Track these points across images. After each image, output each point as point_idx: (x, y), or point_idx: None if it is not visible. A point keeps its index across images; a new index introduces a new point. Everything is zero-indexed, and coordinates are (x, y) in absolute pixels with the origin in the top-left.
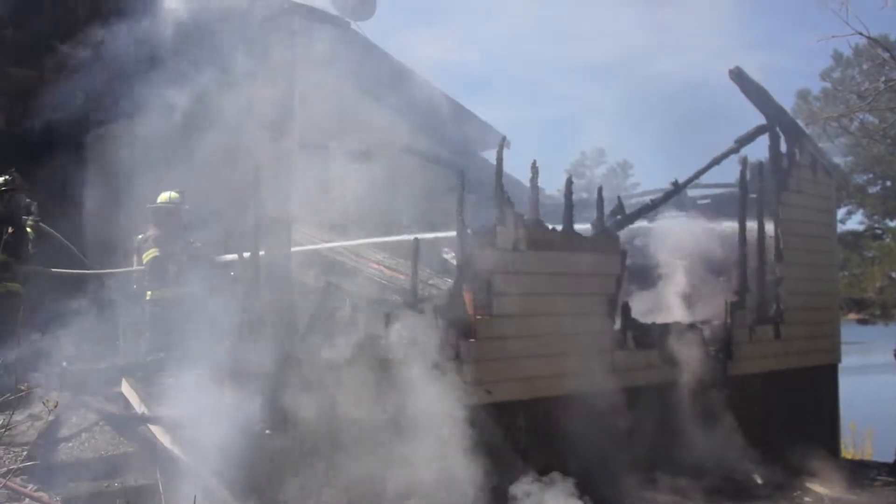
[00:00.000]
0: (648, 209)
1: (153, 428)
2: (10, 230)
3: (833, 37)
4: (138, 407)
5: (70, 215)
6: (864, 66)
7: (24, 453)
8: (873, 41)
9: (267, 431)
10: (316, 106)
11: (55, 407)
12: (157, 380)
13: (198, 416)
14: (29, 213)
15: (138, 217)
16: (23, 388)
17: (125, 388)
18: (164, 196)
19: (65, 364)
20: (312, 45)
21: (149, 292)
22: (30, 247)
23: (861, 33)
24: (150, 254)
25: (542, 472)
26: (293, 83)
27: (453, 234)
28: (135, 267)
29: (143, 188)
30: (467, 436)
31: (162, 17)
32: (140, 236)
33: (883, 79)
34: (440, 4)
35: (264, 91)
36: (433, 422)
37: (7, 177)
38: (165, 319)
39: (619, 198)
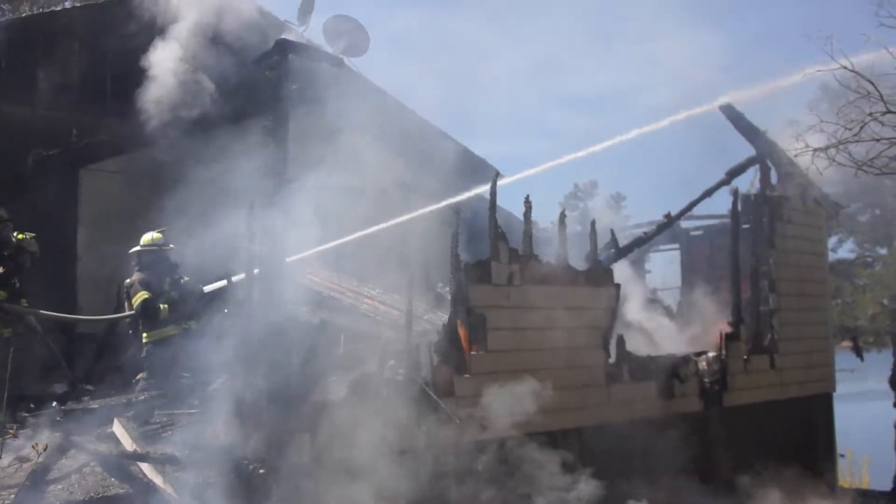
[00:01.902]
0: (642, 241)
1: (144, 467)
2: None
3: (819, 70)
4: (130, 446)
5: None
6: (851, 98)
7: (12, 496)
8: (857, 74)
9: (261, 470)
10: (309, 142)
11: (44, 450)
12: (149, 419)
13: (190, 454)
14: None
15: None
16: (11, 430)
17: (117, 428)
18: (146, 238)
19: (55, 404)
20: (306, 83)
21: (145, 335)
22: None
23: (845, 67)
24: (139, 297)
25: None
26: (287, 120)
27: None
28: (126, 312)
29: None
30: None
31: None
32: (127, 281)
33: (868, 110)
34: (433, 41)
35: (260, 129)
36: (428, 458)
37: None
38: (163, 359)
39: (612, 231)
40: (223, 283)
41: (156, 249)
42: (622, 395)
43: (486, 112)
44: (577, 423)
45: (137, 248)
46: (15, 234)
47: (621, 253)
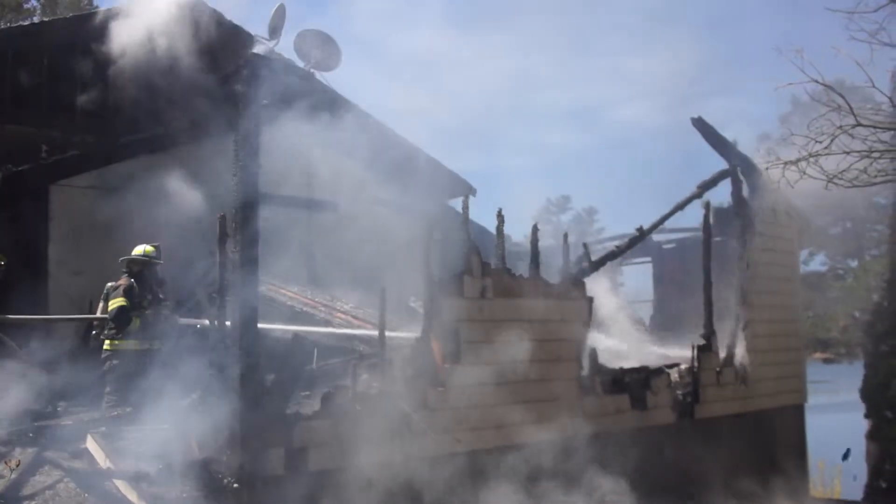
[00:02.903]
0: (614, 255)
1: (118, 483)
2: None
3: (790, 84)
4: (104, 462)
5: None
6: (822, 112)
7: None
8: (828, 87)
9: (235, 484)
10: (281, 157)
11: (17, 466)
12: (122, 435)
13: (164, 470)
14: None
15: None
16: None
17: (90, 444)
18: (139, 249)
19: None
20: (277, 97)
21: (107, 342)
22: None
23: (816, 80)
24: (116, 302)
25: None
26: (258, 135)
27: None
28: (99, 313)
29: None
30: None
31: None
32: (110, 284)
33: (839, 123)
34: (406, 56)
35: (231, 144)
36: (402, 471)
37: None
38: (125, 372)
39: (584, 245)
40: (204, 321)
41: (146, 261)
42: (595, 408)
43: (459, 127)
44: (551, 436)
45: (129, 256)
46: None
47: (594, 266)
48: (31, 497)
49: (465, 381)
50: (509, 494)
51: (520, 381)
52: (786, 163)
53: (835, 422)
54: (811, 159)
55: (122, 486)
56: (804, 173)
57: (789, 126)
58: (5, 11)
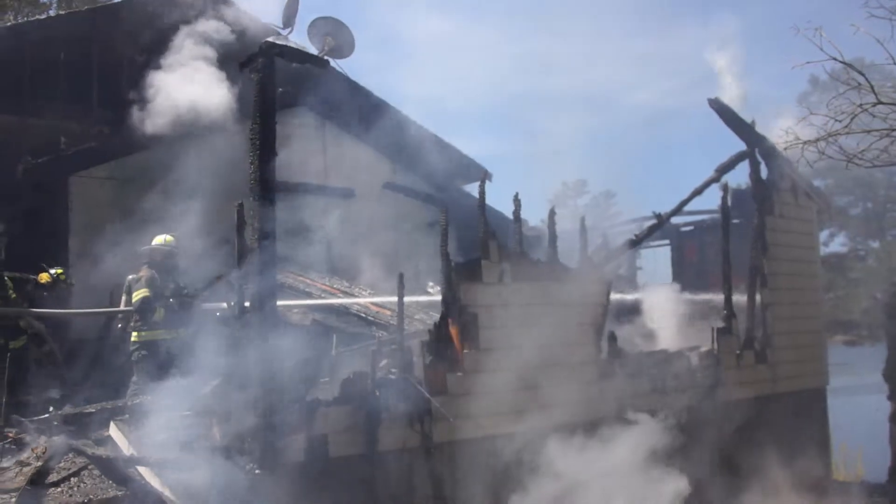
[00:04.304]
0: (634, 244)
1: (142, 470)
2: None
3: (808, 62)
4: (127, 450)
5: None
6: (841, 90)
7: (13, 500)
8: (847, 65)
9: (257, 471)
10: (297, 145)
11: (44, 453)
12: (145, 422)
13: (187, 457)
14: None
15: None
16: (10, 434)
17: (114, 432)
18: (159, 238)
19: (52, 409)
20: (292, 84)
21: (134, 333)
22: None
23: (835, 58)
24: (140, 293)
25: None
26: (274, 123)
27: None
28: (122, 306)
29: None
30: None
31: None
32: (131, 276)
33: (859, 102)
34: (419, 41)
35: (246, 131)
36: (422, 458)
37: None
38: (151, 362)
39: (603, 234)
40: (223, 305)
41: (167, 251)
42: (614, 391)
43: (474, 111)
44: (570, 419)
45: (149, 246)
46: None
47: (612, 253)
48: (58, 483)
49: (483, 367)
50: (530, 480)
51: (539, 366)
52: (805, 142)
53: (857, 404)
54: (830, 139)
55: (146, 473)
56: (823, 153)
57: (808, 105)
58: (22, 6)
